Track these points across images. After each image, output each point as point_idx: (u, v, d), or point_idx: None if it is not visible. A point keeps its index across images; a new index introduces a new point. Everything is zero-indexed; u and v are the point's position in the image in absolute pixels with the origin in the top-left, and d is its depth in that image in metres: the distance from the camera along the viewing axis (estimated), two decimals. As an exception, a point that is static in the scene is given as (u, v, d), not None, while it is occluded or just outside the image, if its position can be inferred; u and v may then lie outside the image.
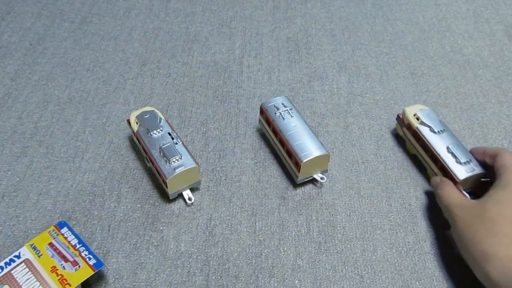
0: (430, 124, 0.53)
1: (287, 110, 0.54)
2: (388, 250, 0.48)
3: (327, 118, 0.61)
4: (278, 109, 0.54)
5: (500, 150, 0.48)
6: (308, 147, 0.51)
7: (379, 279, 0.46)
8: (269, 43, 0.72)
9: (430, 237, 0.49)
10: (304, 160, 0.49)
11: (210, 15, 0.77)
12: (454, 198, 0.46)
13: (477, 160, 0.51)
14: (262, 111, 0.55)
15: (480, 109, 0.64)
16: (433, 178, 0.51)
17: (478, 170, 0.50)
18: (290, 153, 0.51)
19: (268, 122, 0.55)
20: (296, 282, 0.45)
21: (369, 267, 0.47)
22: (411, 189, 0.54)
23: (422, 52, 0.73)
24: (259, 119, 0.57)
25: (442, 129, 0.53)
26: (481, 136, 0.60)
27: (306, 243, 0.48)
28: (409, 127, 0.55)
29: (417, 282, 0.46)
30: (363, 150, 0.58)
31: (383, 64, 0.70)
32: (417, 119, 0.54)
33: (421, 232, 0.50)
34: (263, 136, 0.59)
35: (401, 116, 0.57)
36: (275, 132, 0.53)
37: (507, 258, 0.39)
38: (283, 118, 0.53)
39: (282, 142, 0.52)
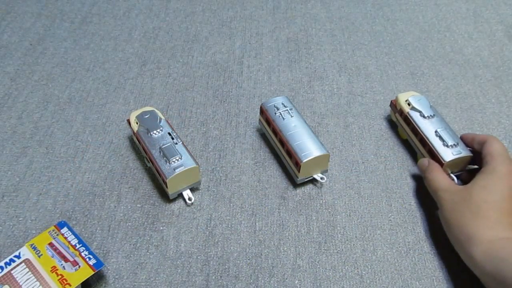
0: (420, 109, 0.55)
1: (287, 110, 0.54)
2: (388, 250, 0.48)
3: (327, 118, 0.61)
4: (278, 109, 0.54)
5: (488, 137, 0.49)
6: (308, 147, 0.51)
7: (379, 279, 0.46)
8: (269, 43, 0.72)
9: (430, 237, 0.49)
10: (304, 160, 0.49)
11: (210, 15, 0.77)
12: (442, 182, 0.48)
13: (467, 145, 0.52)
14: (262, 111, 0.55)
15: (480, 109, 0.64)
16: (421, 160, 0.52)
17: (464, 153, 0.51)
18: (290, 153, 0.51)
19: (268, 122, 0.55)
20: (296, 282, 0.45)
21: (369, 267, 0.47)
22: (411, 189, 0.54)
23: (422, 52, 0.73)
24: (259, 119, 0.57)
25: (432, 114, 0.55)
26: (481, 136, 0.60)
27: (306, 243, 0.48)
28: (401, 112, 0.57)
29: (417, 282, 0.46)
30: (363, 150, 0.58)
31: (383, 64, 0.70)
32: (409, 104, 0.56)
33: (421, 232, 0.50)
34: (263, 136, 0.59)
35: (394, 102, 0.59)
36: (275, 132, 0.53)
37: (489, 240, 0.41)
38: (283, 118, 0.53)
39: (282, 142, 0.52)
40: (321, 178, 0.53)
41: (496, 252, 0.40)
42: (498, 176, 0.45)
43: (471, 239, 0.42)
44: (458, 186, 0.47)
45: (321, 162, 0.52)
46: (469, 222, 0.43)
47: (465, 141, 0.53)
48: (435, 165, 0.51)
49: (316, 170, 0.52)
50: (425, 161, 0.52)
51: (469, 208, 0.44)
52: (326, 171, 0.54)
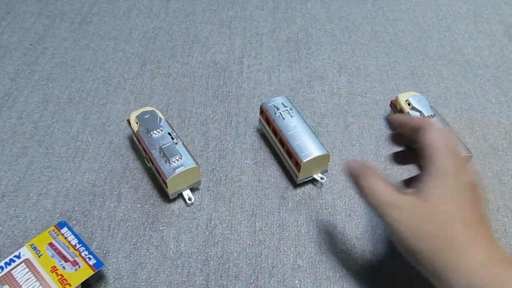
0: (420, 109, 0.55)
1: (287, 110, 0.54)
2: (388, 250, 0.48)
3: (327, 118, 0.61)
4: (278, 109, 0.54)
5: (424, 122, 0.39)
6: (308, 147, 0.51)
7: (379, 279, 0.46)
8: (269, 43, 0.72)
9: (430, 237, 0.49)
10: (304, 160, 0.49)
11: (210, 15, 0.77)
12: (388, 195, 0.37)
13: (393, 131, 0.44)
14: (262, 111, 0.55)
15: (480, 109, 0.64)
16: (349, 162, 0.41)
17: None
18: (290, 153, 0.51)
19: (268, 122, 0.55)
20: (296, 282, 0.45)
21: (369, 267, 0.47)
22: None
23: (422, 52, 0.73)
24: (259, 119, 0.57)
25: (432, 114, 0.55)
26: (481, 136, 0.60)
27: (306, 243, 0.48)
28: (401, 112, 0.57)
29: (417, 282, 0.46)
30: (363, 150, 0.58)
31: (383, 64, 0.70)
32: (409, 104, 0.56)
33: (421, 232, 0.50)
34: (263, 136, 0.59)
35: (394, 102, 0.59)
36: (275, 132, 0.53)
37: (469, 271, 0.34)
38: (283, 118, 0.53)
39: (282, 142, 0.52)
40: (321, 178, 0.53)
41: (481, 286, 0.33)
42: (449, 177, 0.36)
43: (449, 272, 0.34)
44: (406, 198, 0.37)
45: (321, 162, 0.52)
46: (440, 248, 0.34)
47: (393, 125, 0.43)
48: (371, 169, 0.39)
49: (316, 170, 0.52)
50: (355, 163, 0.40)
51: (435, 230, 0.35)
52: (326, 171, 0.54)
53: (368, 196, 0.38)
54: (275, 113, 0.54)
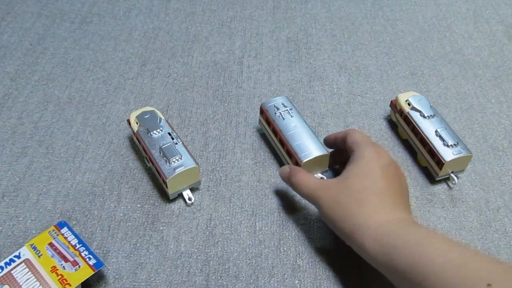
0: (420, 109, 0.55)
1: (287, 110, 0.54)
2: (388, 250, 0.48)
3: (327, 118, 0.61)
4: (278, 109, 0.54)
5: (348, 130, 0.49)
6: (308, 147, 0.51)
7: (379, 279, 0.46)
8: (269, 43, 0.72)
9: (430, 237, 0.49)
10: (304, 160, 0.49)
11: (210, 15, 0.77)
12: (313, 182, 0.46)
13: (331, 148, 0.53)
14: (262, 111, 0.55)
15: (480, 109, 0.64)
16: (281, 169, 0.50)
17: (465, 152, 0.51)
18: (290, 153, 0.51)
19: (268, 122, 0.55)
20: (296, 282, 0.45)
21: (369, 267, 0.47)
22: (411, 189, 0.54)
23: (422, 52, 0.73)
24: (259, 119, 0.57)
25: (432, 114, 0.55)
26: (481, 136, 0.60)
27: (306, 243, 0.48)
28: (401, 112, 0.57)
29: (417, 282, 0.46)
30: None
31: (383, 64, 0.70)
32: (409, 104, 0.56)
33: (421, 232, 0.50)
34: (263, 136, 0.59)
35: (394, 102, 0.59)
36: (275, 132, 0.53)
37: (377, 225, 0.40)
38: (283, 118, 0.53)
39: (282, 142, 0.52)
40: (321, 178, 0.52)
41: (386, 237, 0.39)
42: (367, 159, 0.44)
43: (358, 228, 0.40)
44: (329, 180, 0.45)
45: (321, 162, 0.52)
46: (354, 211, 0.41)
47: (328, 143, 0.53)
48: (297, 168, 0.49)
49: (316, 170, 0.52)
50: (286, 168, 0.49)
51: (352, 197, 0.42)
52: (326, 171, 0.54)
53: (300, 187, 0.46)
54: (275, 113, 0.54)
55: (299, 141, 0.51)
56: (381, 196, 0.42)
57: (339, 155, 0.53)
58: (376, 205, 0.41)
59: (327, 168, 0.54)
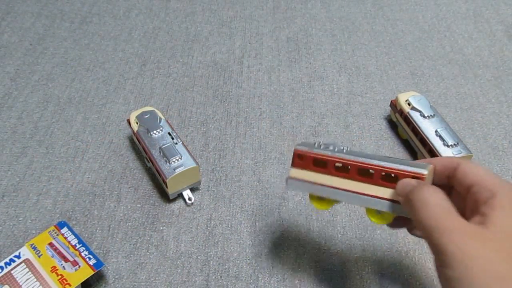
0: (420, 109, 0.55)
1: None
2: (388, 250, 0.48)
3: (327, 118, 0.61)
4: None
5: (459, 160, 0.33)
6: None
7: (379, 279, 0.46)
8: (269, 43, 0.72)
9: (430, 237, 0.49)
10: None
11: (210, 15, 0.77)
12: (447, 215, 0.29)
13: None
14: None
15: (480, 109, 0.64)
16: (402, 182, 0.33)
17: (465, 152, 0.51)
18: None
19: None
20: (296, 282, 0.45)
21: (369, 267, 0.47)
22: (411, 189, 0.54)
23: (422, 52, 0.73)
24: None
25: (432, 114, 0.55)
26: (481, 136, 0.60)
27: (306, 243, 0.48)
28: (401, 112, 0.57)
29: (417, 282, 0.46)
30: (363, 150, 0.58)
31: (383, 64, 0.70)
32: (409, 104, 0.56)
33: (421, 232, 0.50)
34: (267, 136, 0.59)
35: (394, 102, 0.59)
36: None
37: None
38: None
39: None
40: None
41: None
42: None
43: None
44: (472, 224, 0.29)
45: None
46: None
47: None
48: (429, 185, 0.33)
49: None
50: (412, 181, 0.33)
51: None
52: None
53: (424, 215, 0.30)
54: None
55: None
56: None
57: (406, 221, 0.37)
58: None
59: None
